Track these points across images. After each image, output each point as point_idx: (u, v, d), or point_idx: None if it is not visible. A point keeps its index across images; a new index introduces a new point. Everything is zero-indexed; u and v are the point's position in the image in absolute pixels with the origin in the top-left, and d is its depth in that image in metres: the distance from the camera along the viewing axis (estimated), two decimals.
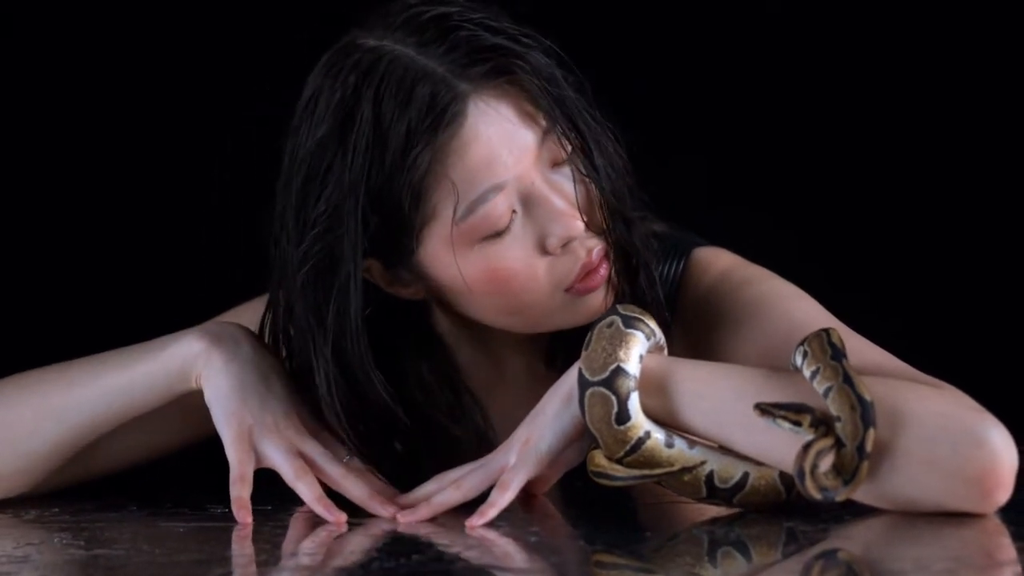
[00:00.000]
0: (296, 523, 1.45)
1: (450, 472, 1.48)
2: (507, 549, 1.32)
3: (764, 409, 1.36)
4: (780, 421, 1.35)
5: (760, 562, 1.25)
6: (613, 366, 1.41)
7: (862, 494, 1.35)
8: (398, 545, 1.34)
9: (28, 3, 2.22)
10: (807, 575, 1.19)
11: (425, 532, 1.39)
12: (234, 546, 1.34)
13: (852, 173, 2.29)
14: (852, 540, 1.32)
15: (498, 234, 1.47)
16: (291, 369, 1.54)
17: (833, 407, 1.35)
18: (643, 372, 1.42)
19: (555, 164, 1.50)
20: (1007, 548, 1.26)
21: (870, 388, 1.35)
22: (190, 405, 1.53)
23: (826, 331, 1.40)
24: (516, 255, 1.48)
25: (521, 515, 1.46)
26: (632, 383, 1.41)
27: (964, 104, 2.26)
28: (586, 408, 1.42)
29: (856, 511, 1.38)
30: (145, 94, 2.25)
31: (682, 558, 1.27)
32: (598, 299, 1.51)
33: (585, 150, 1.50)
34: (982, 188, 2.28)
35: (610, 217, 1.51)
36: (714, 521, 1.40)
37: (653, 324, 1.45)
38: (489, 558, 1.28)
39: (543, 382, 1.50)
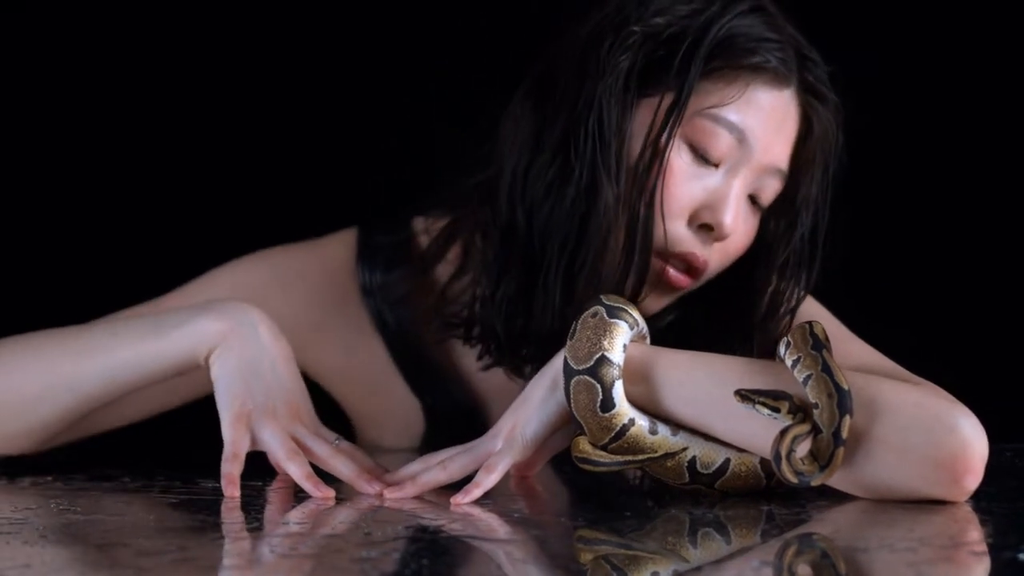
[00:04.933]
0: (279, 496, 1.58)
1: (436, 454, 1.61)
2: (490, 523, 1.45)
3: (744, 395, 1.50)
4: (759, 407, 1.49)
5: (739, 543, 1.37)
6: (598, 355, 1.55)
7: (838, 480, 1.50)
8: (384, 517, 1.46)
9: (29, 3, 2.35)
10: (783, 555, 1.31)
11: (410, 507, 1.52)
12: (224, 515, 1.46)
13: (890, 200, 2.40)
14: (827, 523, 1.46)
15: (701, 157, 1.69)
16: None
17: (811, 394, 1.49)
18: (626, 360, 1.56)
19: (754, 199, 1.73)
20: (971, 531, 1.40)
21: (849, 379, 1.49)
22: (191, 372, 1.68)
23: (809, 323, 1.55)
24: (689, 186, 1.70)
25: (506, 493, 1.59)
26: (616, 371, 1.55)
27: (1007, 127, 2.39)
28: (571, 396, 1.56)
29: (834, 497, 1.52)
30: (145, 94, 2.39)
31: (663, 537, 1.39)
32: (655, 304, 1.72)
33: (781, 227, 1.74)
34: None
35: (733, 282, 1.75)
36: (695, 503, 1.53)
37: (636, 314, 1.59)
38: (472, 530, 1.40)
39: None
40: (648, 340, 1.62)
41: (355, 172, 2.41)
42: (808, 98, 1.74)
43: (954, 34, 2.38)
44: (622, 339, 1.57)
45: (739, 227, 1.72)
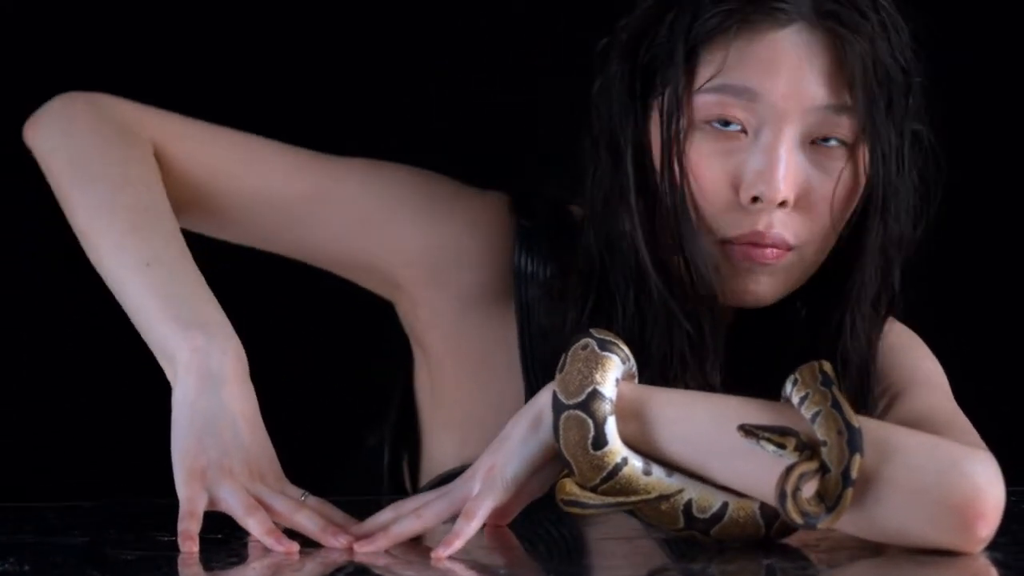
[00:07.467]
0: (241, 551, 1.50)
1: (408, 500, 1.54)
2: None
3: (748, 430, 1.43)
4: (763, 443, 1.42)
5: None
6: (589, 389, 1.48)
7: (845, 523, 1.42)
8: (358, 574, 1.40)
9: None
10: None
11: (385, 562, 1.45)
12: (183, 571, 1.40)
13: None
14: None
15: (722, 132, 1.63)
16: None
17: (820, 432, 1.42)
18: (617, 397, 1.49)
19: (824, 141, 1.64)
20: None
21: (861, 420, 1.42)
22: None
23: (818, 361, 1.48)
24: (712, 164, 1.63)
25: (485, 546, 1.52)
26: (609, 407, 1.48)
27: None
28: (560, 433, 1.48)
29: (841, 550, 1.46)
30: (147, 95, 2.36)
31: None
32: (759, 286, 1.65)
33: (862, 152, 1.64)
34: None
35: (821, 237, 1.66)
36: (692, 558, 1.46)
37: (627, 349, 1.52)
38: None
39: None
40: (636, 379, 1.55)
41: None
42: (830, 25, 1.63)
43: None
44: (614, 373, 1.50)
45: (802, 178, 1.63)
